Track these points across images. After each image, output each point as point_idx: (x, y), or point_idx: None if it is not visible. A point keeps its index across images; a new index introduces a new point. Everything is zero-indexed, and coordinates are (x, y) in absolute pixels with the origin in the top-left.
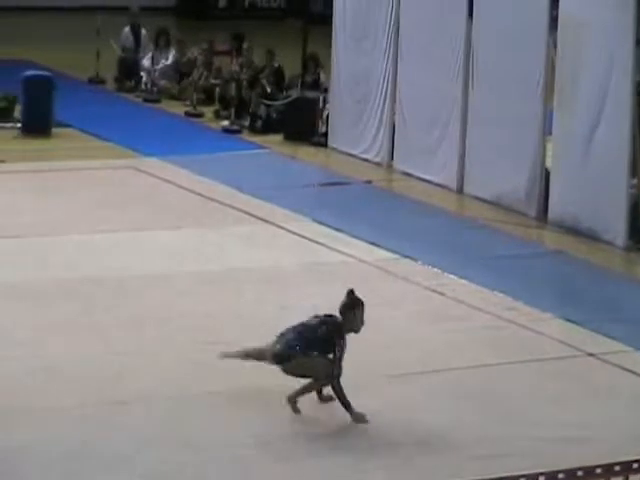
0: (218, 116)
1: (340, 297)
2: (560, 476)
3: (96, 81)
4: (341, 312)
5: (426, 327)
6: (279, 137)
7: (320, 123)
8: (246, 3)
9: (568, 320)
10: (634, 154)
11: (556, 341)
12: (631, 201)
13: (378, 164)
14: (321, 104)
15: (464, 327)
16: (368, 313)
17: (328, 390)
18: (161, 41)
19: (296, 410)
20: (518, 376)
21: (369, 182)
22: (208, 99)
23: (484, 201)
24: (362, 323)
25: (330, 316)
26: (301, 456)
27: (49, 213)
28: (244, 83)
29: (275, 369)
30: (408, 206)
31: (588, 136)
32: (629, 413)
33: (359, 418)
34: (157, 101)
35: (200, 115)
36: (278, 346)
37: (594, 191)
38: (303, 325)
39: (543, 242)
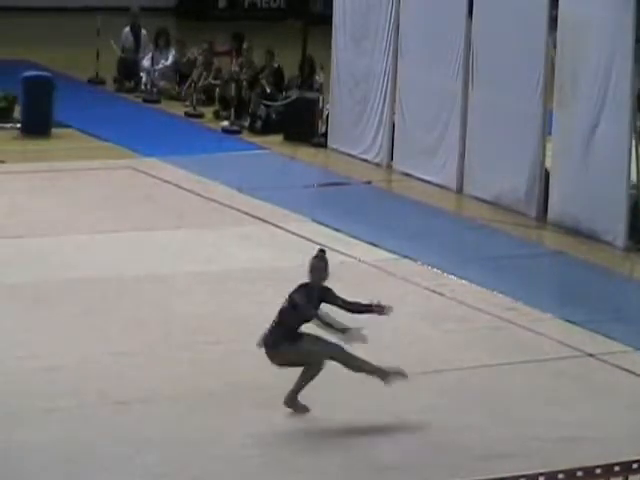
0: (218, 116)
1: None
2: (560, 476)
3: (96, 82)
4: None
5: (426, 327)
6: (279, 137)
7: (320, 123)
8: (246, 3)
9: (568, 320)
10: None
11: (556, 341)
12: (631, 201)
13: (378, 164)
14: (321, 104)
15: (464, 327)
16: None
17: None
18: (161, 41)
19: (302, 409)
20: (518, 376)
21: (369, 182)
22: (208, 99)
23: (484, 201)
24: (317, 271)
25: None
26: (300, 456)
27: (49, 213)
28: (244, 83)
29: (275, 369)
30: (408, 206)
31: (588, 136)
32: (629, 413)
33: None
34: (157, 102)
35: (200, 115)
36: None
37: (594, 191)
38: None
39: (543, 242)
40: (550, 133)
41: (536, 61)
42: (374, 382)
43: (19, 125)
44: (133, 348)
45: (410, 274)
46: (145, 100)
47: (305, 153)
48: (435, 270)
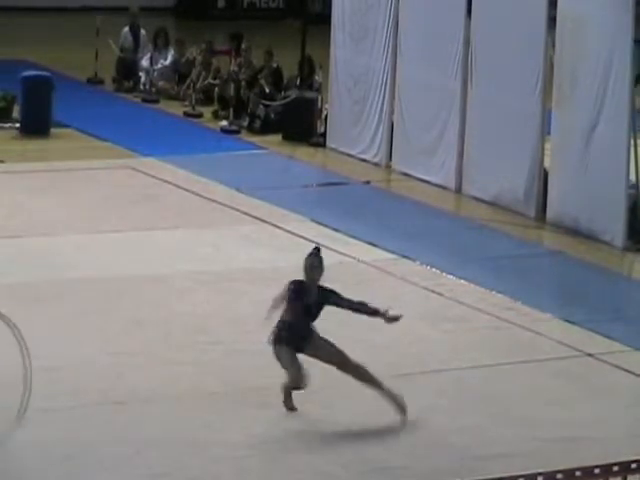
0: (217, 116)
1: None
2: (559, 476)
3: (95, 81)
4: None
5: (425, 327)
6: (278, 137)
7: (319, 123)
8: (245, 3)
9: (567, 320)
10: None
11: (555, 341)
12: (630, 201)
13: (377, 164)
14: (319, 104)
15: (463, 327)
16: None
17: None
18: (160, 41)
19: (293, 408)
20: (517, 376)
21: (368, 182)
22: (207, 99)
23: (482, 201)
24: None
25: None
26: (300, 456)
27: (48, 213)
28: (243, 83)
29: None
30: (406, 206)
31: (587, 136)
32: (628, 413)
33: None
34: (156, 101)
35: (199, 115)
36: None
37: (593, 191)
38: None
39: (542, 242)
40: (549, 133)
41: (535, 60)
42: None
43: (18, 125)
44: (133, 348)
45: (409, 274)
46: (144, 100)
47: (304, 153)
48: (434, 270)
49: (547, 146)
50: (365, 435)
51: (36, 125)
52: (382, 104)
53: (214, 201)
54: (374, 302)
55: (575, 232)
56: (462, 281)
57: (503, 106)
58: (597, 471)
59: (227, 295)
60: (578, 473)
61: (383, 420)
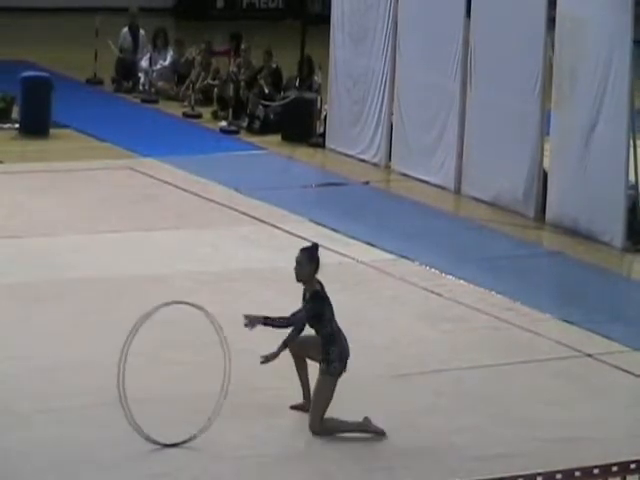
0: (216, 117)
1: (338, 297)
2: (558, 476)
3: (94, 82)
4: None
5: (424, 328)
6: (277, 138)
7: (318, 124)
8: (244, 3)
9: (566, 321)
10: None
11: (554, 342)
12: (629, 202)
13: (376, 165)
14: (319, 105)
15: (462, 328)
16: (367, 314)
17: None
18: (159, 42)
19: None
20: (516, 376)
21: (367, 183)
22: (206, 100)
23: (482, 202)
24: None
25: None
26: (300, 456)
27: (47, 213)
28: (242, 84)
29: (275, 368)
30: (406, 207)
31: (586, 136)
32: (627, 413)
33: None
34: (155, 102)
35: (198, 116)
36: None
37: (592, 192)
38: None
39: (541, 243)
40: (548, 133)
41: (534, 61)
42: (374, 383)
43: (17, 125)
44: (133, 348)
45: (408, 274)
46: (143, 100)
47: (303, 153)
48: (433, 270)
49: (546, 146)
50: (364, 435)
51: (35, 125)
52: (381, 104)
53: (213, 201)
54: (373, 302)
55: (574, 232)
56: (461, 281)
57: (502, 106)
58: (596, 471)
59: (227, 295)
60: (577, 473)
61: (383, 420)
